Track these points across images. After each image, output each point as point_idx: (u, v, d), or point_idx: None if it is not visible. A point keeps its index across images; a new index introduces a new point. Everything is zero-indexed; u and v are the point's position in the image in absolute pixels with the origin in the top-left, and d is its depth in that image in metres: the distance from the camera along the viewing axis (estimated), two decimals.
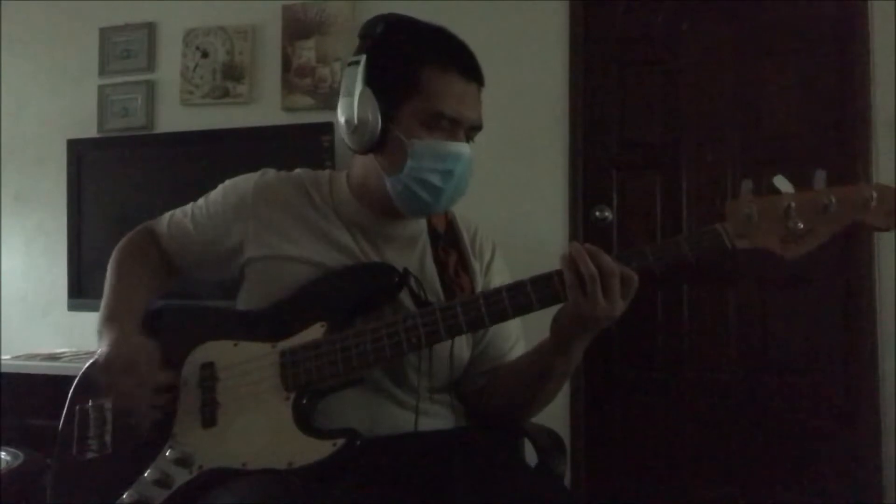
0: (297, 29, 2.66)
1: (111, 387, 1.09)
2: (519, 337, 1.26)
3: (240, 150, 2.49)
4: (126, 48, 2.84)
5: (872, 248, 2.22)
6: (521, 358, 1.22)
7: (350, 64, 1.14)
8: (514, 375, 1.19)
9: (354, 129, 1.12)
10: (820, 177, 1.02)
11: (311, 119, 2.56)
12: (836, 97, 2.31)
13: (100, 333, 1.14)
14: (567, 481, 1.43)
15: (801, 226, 1.01)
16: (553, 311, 1.08)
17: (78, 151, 2.69)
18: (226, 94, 2.73)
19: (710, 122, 2.41)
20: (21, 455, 1.74)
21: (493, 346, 1.23)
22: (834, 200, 1.00)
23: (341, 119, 1.14)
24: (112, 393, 1.10)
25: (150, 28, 2.83)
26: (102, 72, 2.86)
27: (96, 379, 1.11)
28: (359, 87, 1.11)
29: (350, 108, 1.12)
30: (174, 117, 2.78)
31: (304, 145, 2.42)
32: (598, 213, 2.43)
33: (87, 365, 1.18)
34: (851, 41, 2.29)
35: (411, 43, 1.15)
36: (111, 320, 1.15)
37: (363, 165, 1.19)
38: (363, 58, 1.12)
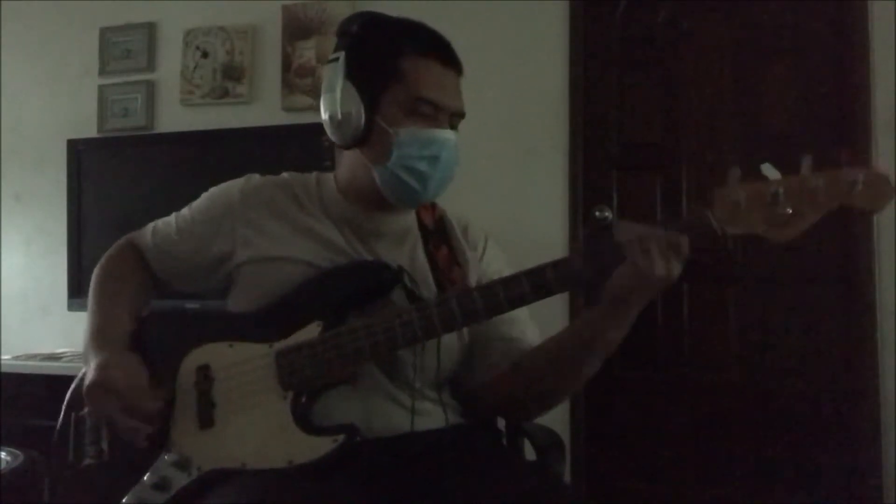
0: (297, 29, 2.66)
1: (99, 411, 1.09)
2: (528, 321, 1.23)
3: (240, 150, 2.49)
4: (126, 48, 2.84)
5: (872, 248, 2.22)
6: (556, 337, 1.18)
7: (329, 62, 1.16)
8: (550, 355, 1.16)
9: (339, 123, 1.14)
10: (806, 161, 1.02)
11: (311, 119, 2.52)
12: (835, 97, 2.31)
13: (86, 354, 1.13)
14: (567, 481, 1.43)
15: (789, 210, 1.01)
16: (547, 303, 1.08)
17: (78, 151, 2.69)
18: (226, 94, 2.73)
19: (710, 122, 2.41)
20: (21, 455, 1.74)
21: (500, 330, 1.19)
22: (821, 184, 1.01)
23: (325, 115, 1.16)
24: (100, 416, 1.10)
25: (150, 28, 2.83)
26: (102, 72, 2.87)
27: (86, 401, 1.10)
28: (339, 82, 1.13)
29: (333, 103, 1.13)
30: (174, 117, 2.79)
31: (304, 145, 2.41)
32: (598, 213, 2.43)
33: (80, 374, 1.18)
34: (851, 41, 2.28)
35: (389, 35, 1.16)
36: (97, 340, 1.14)
37: (350, 161, 1.20)
38: (342, 54, 1.14)
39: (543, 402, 1.22)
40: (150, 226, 1.29)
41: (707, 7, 2.43)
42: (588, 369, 1.15)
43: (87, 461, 1.11)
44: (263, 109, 2.69)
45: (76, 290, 2.61)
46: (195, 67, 2.76)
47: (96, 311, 1.20)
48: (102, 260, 1.27)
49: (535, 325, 1.24)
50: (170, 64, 2.81)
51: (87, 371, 1.10)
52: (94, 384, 1.07)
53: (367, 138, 1.13)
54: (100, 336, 1.15)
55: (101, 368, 1.08)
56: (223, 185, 1.26)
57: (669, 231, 1.02)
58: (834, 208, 1.01)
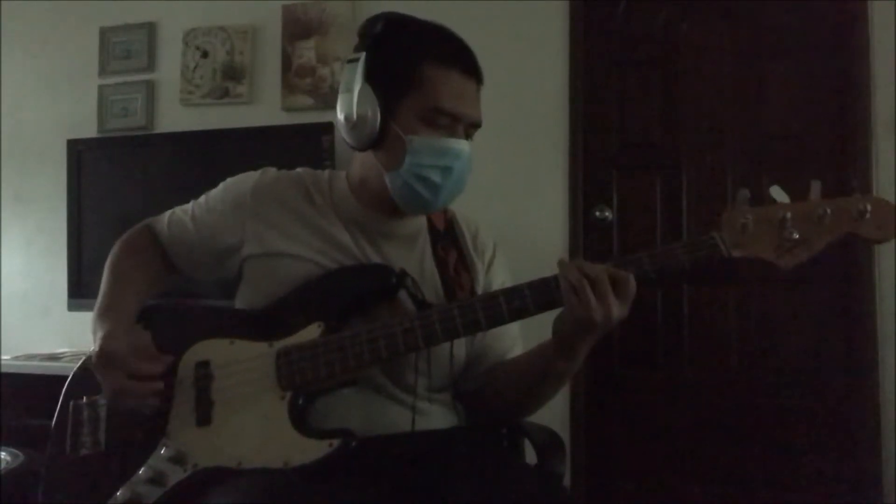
0: (297, 29, 2.66)
1: (106, 378, 1.09)
2: (517, 337, 1.26)
3: (240, 150, 2.49)
4: (126, 48, 2.84)
5: (872, 249, 2.22)
6: (521, 357, 1.22)
7: (349, 61, 1.15)
8: (513, 375, 1.19)
9: (353, 125, 1.13)
10: (816, 187, 1.03)
11: (311, 119, 2.56)
12: (836, 97, 2.31)
13: (94, 328, 1.14)
14: (567, 481, 1.43)
15: (797, 236, 1.02)
16: (553, 313, 1.08)
17: (78, 151, 2.69)
18: (226, 94, 2.73)
19: (710, 122, 2.41)
20: (21, 455, 1.75)
21: (493, 347, 1.23)
22: (829, 211, 1.02)
23: (340, 115, 1.15)
24: (107, 385, 1.09)
25: (150, 28, 2.83)
26: (102, 72, 2.87)
27: (91, 374, 1.11)
28: (358, 83, 1.12)
29: (349, 104, 1.13)
30: (174, 117, 2.78)
31: (304, 145, 2.42)
32: (598, 213, 2.43)
33: (80, 362, 1.18)
34: (851, 41, 2.29)
35: (411, 40, 1.15)
36: (105, 315, 1.15)
37: (362, 163, 1.20)
38: (362, 55, 1.13)
39: (509, 415, 1.26)
40: (168, 212, 1.30)
41: (707, 7, 2.43)
42: (545, 394, 1.17)
43: (84, 451, 1.11)
44: (263, 109, 2.69)
45: (76, 290, 2.61)
46: (195, 67, 2.76)
47: (106, 290, 1.20)
48: (119, 241, 1.28)
49: (526, 332, 1.25)
50: (170, 64, 2.81)
51: (95, 342, 1.11)
52: (100, 354, 1.08)
53: (381, 142, 1.13)
54: (106, 312, 1.15)
55: (106, 338, 1.09)
56: (239, 177, 1.26)
57: (612, 270, 1.01)
58: (841, 236, 1.02)
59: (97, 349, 1.09)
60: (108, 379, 1.09)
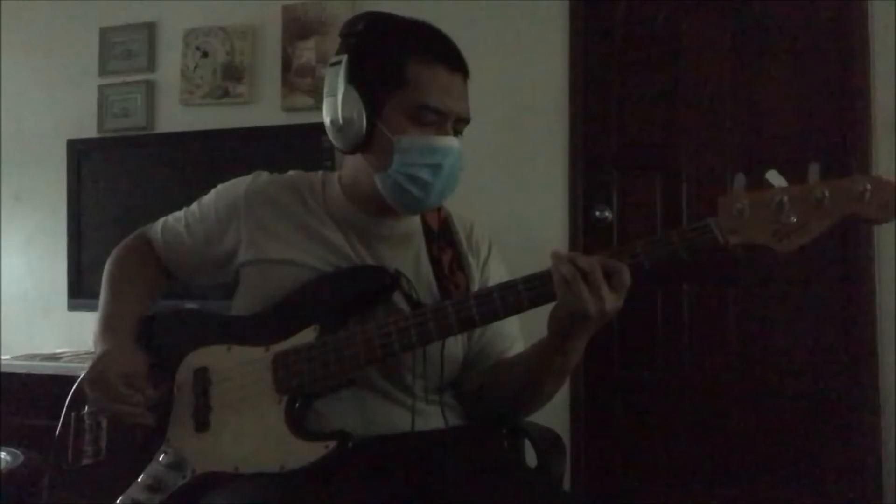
0: (297, 29, 2.66)
1: (97, 403, 1.10)
2: (517, 336, 1.25)
3: (240, 151, 2.49)
4: (126, 48, 2.84)
5: (872, 248, 2.22)
6: (520, 355, 1.21)
7: (332, 64, 1.14)
8: (513, 372, 1.19)
9: (340, 128, 1.12)
10: (814, 170, 0.99)
11: (312, 119, 2.53)
12: (836, 97, 2.31)
13: (94, 343, 1.15)
14: (567, 481, 1.43)
15: (794, 219, 0.99)
16: (546, 309, 1.07)
17: (78, 151, 2.68)
18: (226, 94, 2.73)
19: (710, 122, 2.41)
20: (21, 455, 1.74)
21: (492, 346, 1.22)
22: (827, 193, 0.98)
23: (326, 119, 1.14)
24: (100, 407, 1.11)
25: (150, 28, 2.83)
26: (102, 72, 2.87)
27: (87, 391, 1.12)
28: (342, 85, 1.11)
29: (334, 107, 1.12)
30: (174, 117, 2.79)
31: (304, 145, 2.41)
32: (598, 213, 2.43)
33: (83, 373, 1.19)
34: (851, 41, 2.28)
35: (394, 37, 1.14)
36: (105, 330, 1.15)
37: (353, 165, 1.19)
38: (345, 57, 1.12)
39: (511, 413, 1.24)
40: (161, 220, 1.30)
41: (707, 7, 2.43)
42: (545, 391, 1.16)
43: (85, 461, 1.12)
44: (263, 109, 2.69)
45: (76, 290, 2.61)
46: (195, 67, 2.76)
47: (104, 304, 1.21)
48: (115, 252, 1.28)
49: (526, 331, 1.25)
50: (170, 64, 2.81)
51: (92, 362, 1.12)
52: (93, 372, 1.09)
53: (368, 144, 1.12)
54: (105, 329, 1.16)
55: (102, 359, 1.10)
56: (231, 182, 1.26)
57: (605, 261, 0.99)
58: (841, 219, 0.98)
59: (93, 371, 1.10)
60: (103, 401, 1.10)
